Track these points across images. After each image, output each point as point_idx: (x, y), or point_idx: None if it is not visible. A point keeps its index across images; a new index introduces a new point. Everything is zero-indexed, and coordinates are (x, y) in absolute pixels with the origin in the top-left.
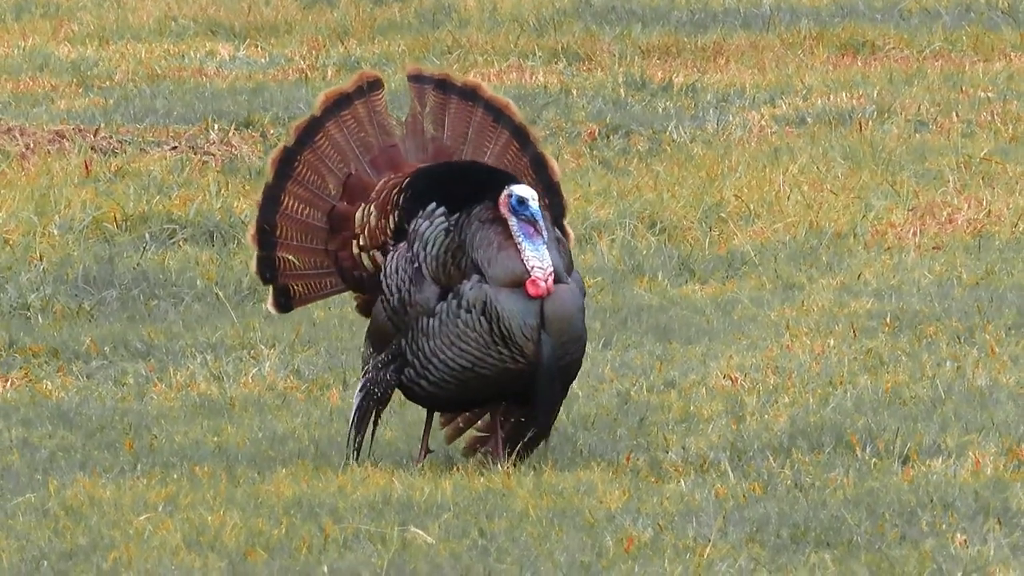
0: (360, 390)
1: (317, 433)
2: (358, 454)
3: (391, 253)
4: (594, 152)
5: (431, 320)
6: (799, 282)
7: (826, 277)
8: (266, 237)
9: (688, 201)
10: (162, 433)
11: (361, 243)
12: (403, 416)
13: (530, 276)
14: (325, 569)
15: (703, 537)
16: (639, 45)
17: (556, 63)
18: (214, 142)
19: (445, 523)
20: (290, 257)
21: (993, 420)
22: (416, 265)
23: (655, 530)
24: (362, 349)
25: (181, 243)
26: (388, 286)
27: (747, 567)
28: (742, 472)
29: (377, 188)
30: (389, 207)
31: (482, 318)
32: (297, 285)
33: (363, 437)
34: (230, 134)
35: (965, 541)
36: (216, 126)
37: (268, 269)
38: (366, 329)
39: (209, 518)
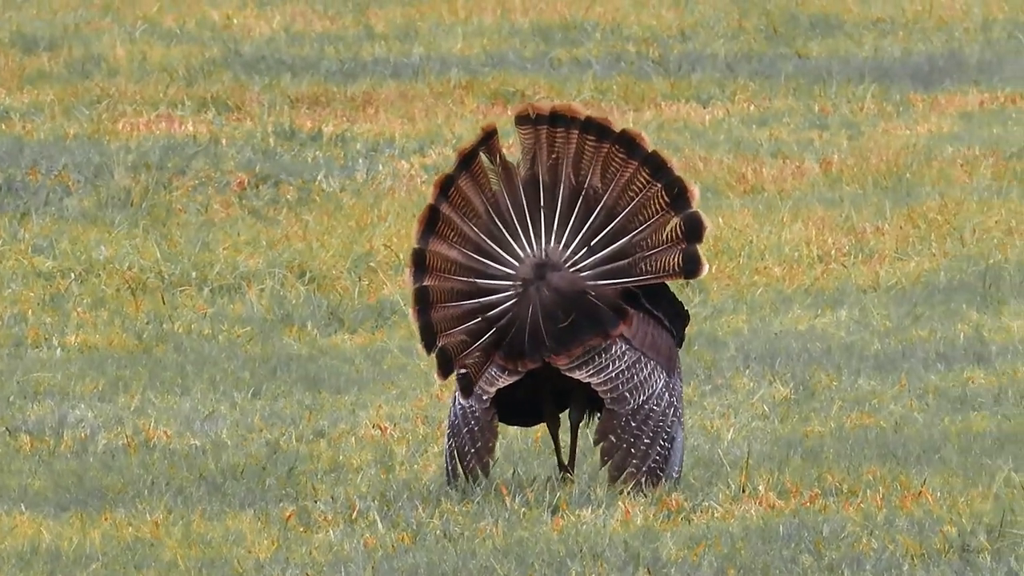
0: (676, 422)
1: None
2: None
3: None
4: (243, 202)
5: None
6: None
7: None
8: None
9: (337, 251)
10: None
11: None
12: (51, 465)
13: None
14: None
15: None
16: (288, 95)
17: (206, 113)
18: None
19: (93, 573)
20: None
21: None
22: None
23: None
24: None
25: None
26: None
27: None
28: (391, 522)
29: None
30: None
31: None
32: None
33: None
34: None
35: None
36: None
37: None
38: (647, 358)
39: None
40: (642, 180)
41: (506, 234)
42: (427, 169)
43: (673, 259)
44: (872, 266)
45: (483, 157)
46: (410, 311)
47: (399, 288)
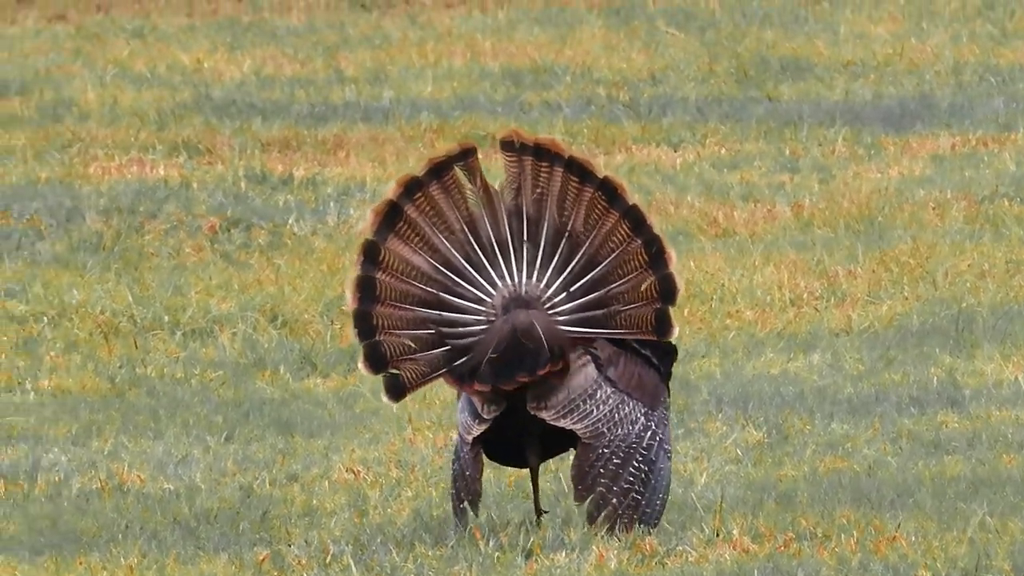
0: (656, 447)
1: None
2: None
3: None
4: (215, 246)
5: None
6: None
7: None
8: None
9: (309, 294)
10: None
11: None
12: (25, 509)
13: None
14: None
15: None
16: (259, 138)
17: (177, 156)
18: None
19: None
20: None
21: None
22: None
23: None
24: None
25: None
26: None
27: None
28: (365, 566)
29: None
30: None
31: None
32: None
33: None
34: None
35: None
36: None
37: None
38: (617, 391)
39: None
40: (623, 233)
41: (484, 259)
42: None
43: (647, 317)
44: (844, 309)
45: (459, 172)
46: (348, 295)
47: None
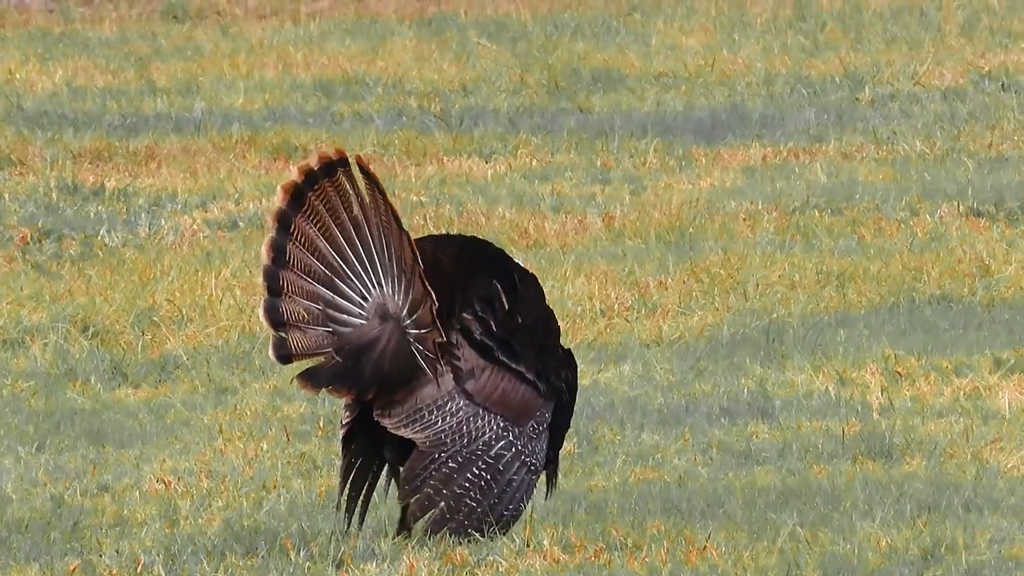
0: (510, 469)
1: None
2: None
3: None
4: (26, 256)
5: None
6: (232, 386)
7: (259, 381)
8: None
9: (120, 305)
10: None
11: None
12: None
13: None
14: None
15: None
16: (71, 149)
17: None
18: None
19: None
20: None
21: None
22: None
23: None
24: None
25: None
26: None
27: None
28: None
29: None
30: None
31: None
32: None
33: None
34: None
35: None
36: None
37: None
38: (472, 403)
39: None
40: (421, 287)
41: (367, 262)
42: (209, 224)
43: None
44: (655, 320)
45: (342, 177)
46: (264, 252)
47: (182, 343)
